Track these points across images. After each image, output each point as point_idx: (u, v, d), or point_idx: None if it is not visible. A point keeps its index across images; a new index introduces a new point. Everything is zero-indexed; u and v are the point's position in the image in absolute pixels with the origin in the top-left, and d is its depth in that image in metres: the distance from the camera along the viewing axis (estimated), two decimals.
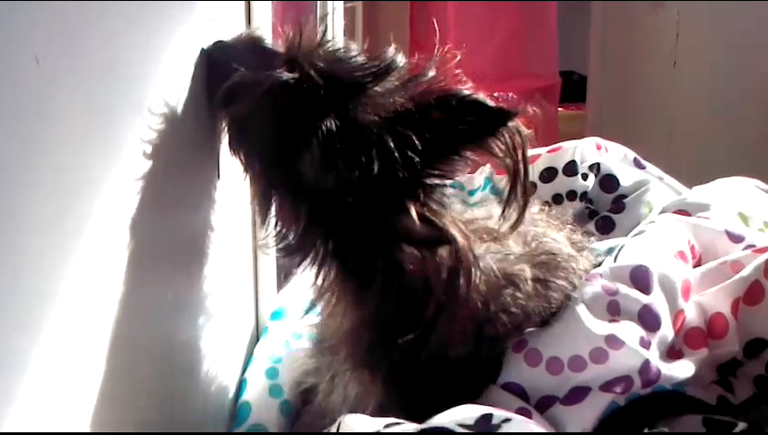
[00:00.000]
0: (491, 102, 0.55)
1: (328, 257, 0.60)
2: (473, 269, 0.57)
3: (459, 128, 0.55)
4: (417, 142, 0.54)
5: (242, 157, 0.63)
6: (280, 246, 0.62)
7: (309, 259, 0.61)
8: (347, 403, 0.65)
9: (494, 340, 0.62)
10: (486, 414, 0.49)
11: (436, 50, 0.58)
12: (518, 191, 0.57)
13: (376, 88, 0.57)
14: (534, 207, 0.73)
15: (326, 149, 0.56)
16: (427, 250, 0.57)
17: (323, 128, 0.56)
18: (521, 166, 0.56)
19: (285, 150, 0.58)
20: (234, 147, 0.64)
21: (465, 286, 0.57)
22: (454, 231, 0.57)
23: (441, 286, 0.58)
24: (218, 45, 0.65)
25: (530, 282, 0.62)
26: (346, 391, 0.65)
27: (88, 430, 0.44)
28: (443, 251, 0.58)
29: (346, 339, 0.65)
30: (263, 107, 0.59)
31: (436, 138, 0.55)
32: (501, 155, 0.56)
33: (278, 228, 0.62)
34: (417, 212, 0.56)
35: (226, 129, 0.64)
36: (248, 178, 0.64)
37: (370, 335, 0.62)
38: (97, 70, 0.44)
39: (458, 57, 0.57)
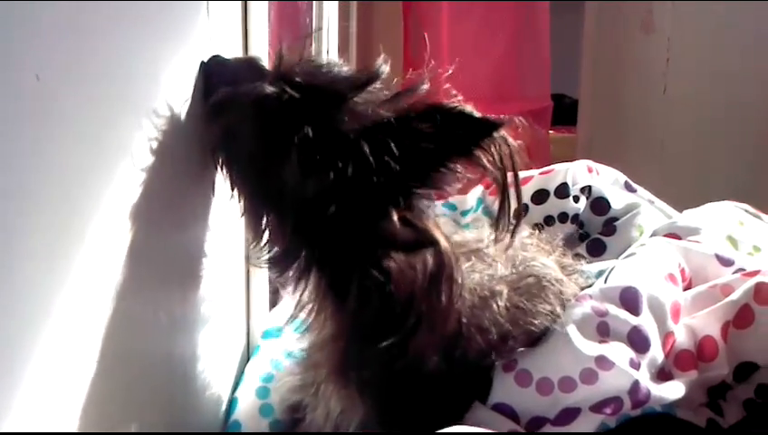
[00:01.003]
0: (477, 114, 0.55)
1: (310, 268, 0.60)
2: (455, 274, 0.56)
3: (446, 139, 0.55)
4: (395, 150, 0.54)
5: (229, 171, 0.64)
6: (268, 258, 0.62)
7: (293, 271, 0.61)
8: (330, 419, 0.65)
9: (467, 358, 0.62)
10: None
11: (426, 65, 0.58)
12: (508, 205, 0.56)
13: (358, 99, 0.57)
14: (525, 232, 0.73)
15: (304, 156, 0.56)
16: (411, 253, 0.56)
17: (301, 136, 0.56)
18: (510, 179, 0.56)
19: (267, 162, 0.58)
20: (222, 164, 0.64)
21: (447, 292, 0.56)
22: (436, 234, 0.56)
23: (423, 292, 0.56)
24: (214, 60, 0.65)
25: (503, 304, 0.62)
26: (329, 407, 0.65)
27: None
28: (426, 256, 0.56)
29: (326, 353, 0.65)
30: (245, 121, 0.59)
31: (422, 148, 0.55)
32: (489, 167, 0.55)
33: (266, 241, 0.62)
34: (398, 215, 0.55)
35: (214, 146, 0.64)
36: (236, 193, 0.64)
37: (348, 348, 0.62)
38: (94, 84, 0.44)
39: (449, 72, 0.57)
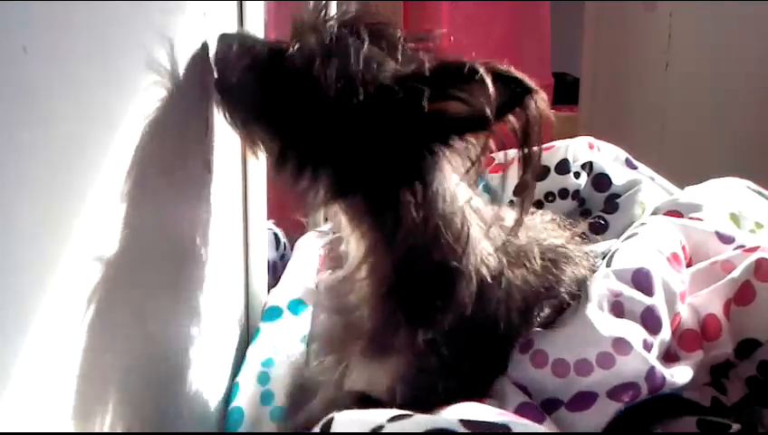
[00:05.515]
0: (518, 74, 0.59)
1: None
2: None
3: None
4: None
5: (271, 128, 0.62)
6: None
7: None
8: (351, 394, 0.65)
9: (509, 320, 0.62)
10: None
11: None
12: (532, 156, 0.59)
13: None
14: (547, 216, 0.73)
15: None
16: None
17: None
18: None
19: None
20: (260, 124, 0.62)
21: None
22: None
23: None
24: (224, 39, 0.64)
25: (538, 260, 0.63)
26: (351, 383, 0.65)
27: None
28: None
29: (356, 331, 0.64)
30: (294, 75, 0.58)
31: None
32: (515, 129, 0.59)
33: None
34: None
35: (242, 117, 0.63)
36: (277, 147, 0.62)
37: (390, 318, 0.61)
38: (86, 62, 0.43)
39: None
